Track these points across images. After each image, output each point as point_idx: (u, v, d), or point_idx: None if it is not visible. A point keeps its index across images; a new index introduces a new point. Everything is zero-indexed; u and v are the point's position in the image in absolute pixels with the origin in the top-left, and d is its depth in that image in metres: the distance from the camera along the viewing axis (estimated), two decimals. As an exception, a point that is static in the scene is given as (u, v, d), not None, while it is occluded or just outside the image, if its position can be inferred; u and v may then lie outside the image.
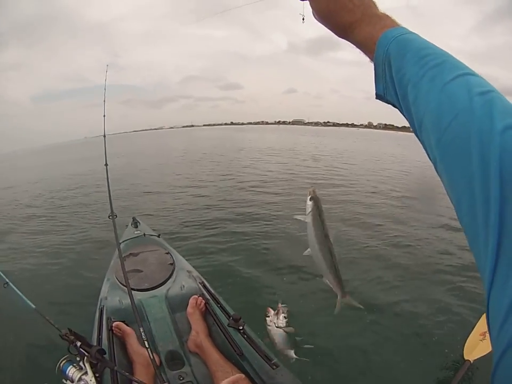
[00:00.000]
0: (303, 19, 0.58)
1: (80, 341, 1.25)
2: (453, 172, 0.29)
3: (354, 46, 0.45)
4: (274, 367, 1.32)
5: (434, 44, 0.37)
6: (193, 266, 2.28)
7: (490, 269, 0.24)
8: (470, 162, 0.26)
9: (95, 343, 1.51)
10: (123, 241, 2.55)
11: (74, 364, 1.20)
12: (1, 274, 1.73)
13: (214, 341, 1.61)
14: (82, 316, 2.34)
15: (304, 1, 0.47)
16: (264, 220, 4.91)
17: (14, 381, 1.98)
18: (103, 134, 2.55)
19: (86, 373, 1.19)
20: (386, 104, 0.43)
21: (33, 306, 1.49)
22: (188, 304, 1.77)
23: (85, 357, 1.22)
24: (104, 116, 2.56)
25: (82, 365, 1.21)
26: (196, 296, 1.81)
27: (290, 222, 4.52)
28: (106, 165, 2.34)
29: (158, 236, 2.73)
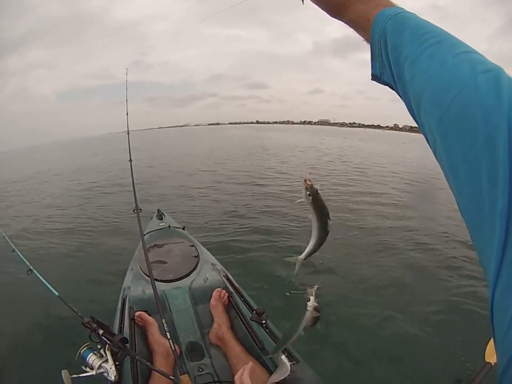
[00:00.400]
0: (303, 1, 0.55)
1: (102, 329, 1.26)
2: (455, 154, 0.27)
3: (347, 26, 0.44)
4: (295, 362, 1.29)
5: (433, 23, 0.35)
6: (218, 260, 2.27)
7: (495, 266, 0.22)
8: (476, 141, 0.24)
9: (117, 331, 1.53)
10: (148, 233, 2.58)
11: (95, 352, 1.20)
12: (26, 261, 1.78)
13: (236, 334, 1.59)
14: (104, 305, 2.38)
15: None
16: (289, 217, 4.85)
17: (35, 365, 2.04)
18: (127, 131, 2.60)
19: (106, 360, 1.18)
20: (383, 85, 0.41)
21: (57, 293, 1.52)
22: (211, 297, 1.76)
23: (107, 345, 1.22)
24: (127, 114, 2.58)
25: (103, 353, 1.21)
26: (220, 289, 1.80)
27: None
28: (130, 160, 2.37)
29: (183, 229, 2.73)
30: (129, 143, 2.56)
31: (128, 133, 2.59)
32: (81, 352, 1.19)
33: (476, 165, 0.24)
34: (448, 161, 0.28)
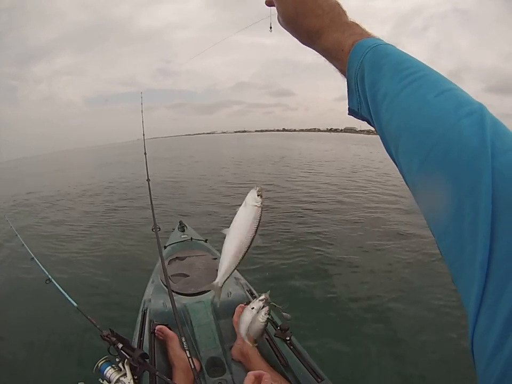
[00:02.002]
0: (271, 28, 0.55)
1: (122, 343, 1.23)
2: (437, 201, 0.25)
3: (319, 54, 0.42)
4: (319, 380, 1.27)
5: (413, 56, 0.33)
6: (241, 273, 2.21)
7: (474, 310, 0.22)
8: (459, 189, 0.23)
9: (136, 345, 1.50)
10: (169, 245, 2.56)
11: (113, 365, 1.17)
12: (44, 270, 1.78)
13: (260, 351, 1.52)
14: (124, 317, 2.35)
15: (272, 7, 0.45)
16: (317, 231, 4.75)
17: (51, 377, 2.01)
18: (144, 151, 2.67)
19: (124, 375, 1.15)
20: (361, 120, 0.39)
21: (76, 304, 1.51)
22: (234, 311, 1.70)
23: (126, 359, 1.18)
24: (143, 134, 2.63)
25: (122, 367, 1.17)
26: (242, 304, 1.73)
27: (343, 230, 4.41)
28: (148, 180, 2.35)
29: (205, 241, 2.68)
30: (146, 163, 2.56)
31: (145, 154, 2.64)
32: (99, 365, 1.16)
33: (458, 213, 0.23)
34: (429, 207, 0.27)
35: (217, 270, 2.17)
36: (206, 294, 1.90)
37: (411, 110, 0.28)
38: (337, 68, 0.41)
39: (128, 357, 1.18)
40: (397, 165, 0.32)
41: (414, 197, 0.29)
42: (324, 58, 0.42)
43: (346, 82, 0.39)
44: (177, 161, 17.26)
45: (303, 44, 0.43)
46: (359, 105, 0.38)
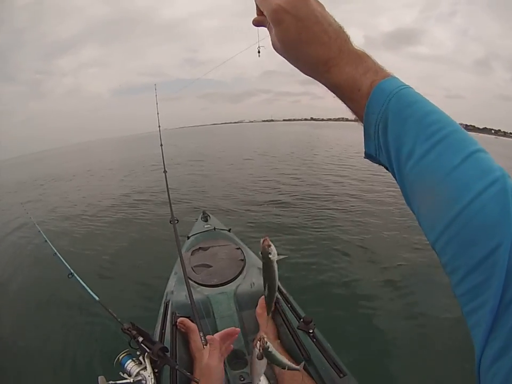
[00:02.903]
0: (259, 51, 0.48)
1: (142, 336, 1.22)
2: (457, 258, 0.27)
3: (327, 89, 0.37)
4: (341, 375, 1.22)
5: (434, 104, 0.32)
6: None
7: (481, 343, 0.24)
8: (478, 254, 0.25)
9: (157, 337, 1.49)
10: (193, 235, 2.56)
11: (134, 358, 1.16)
12: (66, 264, 1.80)
13: (282, 343, 1.50)
14: (146, 309, 2.36)
15: (259, 28, 0.38)
16: (342, 224, 4.63)
17: (73, 369, 2.05)
18: (160, 143, 2.67)
19: (145, 368, 1.14)
20: (378, 165, 0.37)
21: (97, 298, 1.52)
22: (257, 302, 1.68)
23: (146, 353, 1.17)
24: (159, 126, 2.63)
25: (142, 360, 1.17)
26: None
27: (368, 227, 4.31)
28: (165, 172, 2.34)
29: (229, 230, 2.66)
30: (162, 155, 2.58)
31: (161, 145, 2.62)
32: (120, 358, 1.15)
33: (476, 269, 0.25)
34: (449, 260, 0.28)
35: (240, 260, 2.13)
36: (229, 284, 1.87)
37: (437, 176, 0.28)
38: (348, 106, 0.37)
39: (148, 350, 1.16)
40: (414, 214, 0.32)
41: (433, 246, 0.30)
42: (331, 92, 0.37)
43: (362, 125, 0.36)
44: (202, 152, 17.27)
45: (308, 75, 0.38)
46: (377, 152, 0.35)
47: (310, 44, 0.35)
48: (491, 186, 0.26)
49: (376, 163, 0.37)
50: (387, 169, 0.35)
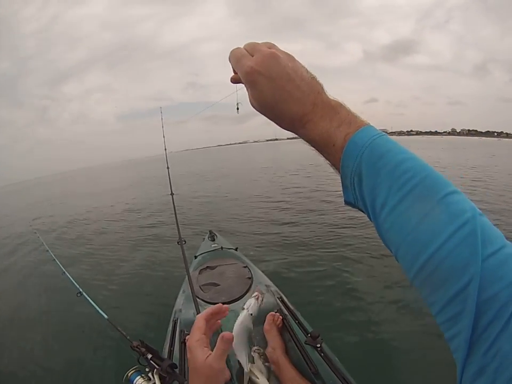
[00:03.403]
0: (238, 108, 0.50)
1: (151, 354, 1.23)
2: (432, 297, 0.29)
3: (305, 142, 0.38)
4: None
5: (407, 149, 0.33)
6: (272, 281, 2.20)
7: (460, 369, 0.27)
8: (449, 292, 0.27)
9: (166, 355, 1.49)
10: (200, 254, 2.59)
11: (143, 375, 1.17)
12: (75, 283, 1.83)
13: (290, 358, 1.49)
14: (155, 327, 2.36)
15: (238, 84, 0.39)
16: (351, 243, 4.58)
17: None
18: (166, 166, 2.75)
19: None
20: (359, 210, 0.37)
21: (106, 316, 1.54)
22: (264, 319, 1.69)
23: (155, 369, 1.18)
24: (165, 149, 2.71)
25: (151, 377, 1.17)
26: (273, 313, 1.73)
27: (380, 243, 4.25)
28: (172, 194, 2.39)
29: (236, 249, 2.70)
30: (169, 177, 2.63)
31: (168, 167, 2.69)
32: (129, 374, 1.16)
33: (449, 304, 0.27)
34: (425, 297, 0.30)
35: (247, 278, 2.14)
36: (237, 302, 1.88)
37: (408, 226, 0.30)
38: (326, 159, 0.37)
39: (157, 367, 1.17)
40: (392, 254, 0.33)
41: (412, 284, 0.31)
42: (309, 146, 0.38)
43: (339, 176, 0.36)
44: (206, 174, 17.52)
45: (286, 129, 0.39)
46: (355, 201, 0.35)
47: (284, 102, 0.35)
48: (460, 229, 0.27)
49: (356, 209, 0.37)
50: (366, 215, 0.36)
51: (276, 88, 0.35)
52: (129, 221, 7.26)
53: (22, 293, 3.74)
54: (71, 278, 1.95)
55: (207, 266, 2.29)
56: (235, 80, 0.40)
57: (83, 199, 12.06)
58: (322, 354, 1.43)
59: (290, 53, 0.37)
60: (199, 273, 2.21)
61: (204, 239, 3.03)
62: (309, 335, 1.52)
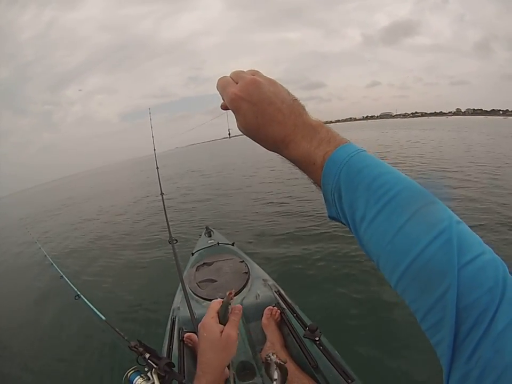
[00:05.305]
0: (229, 134, 0.53)
1: (149, 353, 1.23)
2: (414, 303, 0.30)
3: (289, 162, 0.40)
4: (349, 380, 1.22)
5: (384, 163, 0.35)
6: (269, 274, 2.20)
7: (446, 374, 0.27)
8: (429, 299, 0.27)
9: (165, 354, 1.50)
10: (197, 251, 2.58)
11: (142, 375, 1.15)
12: (73, 286, 1.83)
13: (289, 352, 1.51)
14: (154, 326, 2.36)
15: (228, 111, 0.41)
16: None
17: None
18: (156, 166, 2.70)
19: (153, 383, 1.14)
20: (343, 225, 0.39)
21: (103, 317, 1.53)
22: (263, 314, 1.70)
23: (153, 369, 1.18)
24: (154, 149, 2.68)
25: (150, 376, 1.17)
26: (271, 307, 1.74)
27: None
28: (162, 194, 2.37)
29: (232, 244, 2.70)
30: (159, 177, 2.61)
31: (157, 168, 2.66)
32: (128, 375, 1.15)
33: (430, 312, 0.28)
34: (408, 303, 0.31)
35: (244, 273, 2.14)
36: (234, 298, 1.87)
37: (386, 236, 0.30)
38: (309, 177, 0.39)
39: (155, 366, 1.17)
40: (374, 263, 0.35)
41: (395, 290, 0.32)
42: (294, 166, 0.40)
43: (321, 193, 0.38)
44: (207, 168, 17.56)
45: (270, 150, 0.40)
46: (338, 215, 0.37)
47: (266, 125, 0.37)
48: (436, 238, 0.28)
49: (339, 223, 0.38)
50: (349, 228, 0.37)
51: (258, 112, 0.37)
52: (126, 222, 7.25)
53: (21, 298, 3.76)
54: (68, 282, 1.95)
55: (204, 263, 2.29)
56: (224, 107, 0.41)
57: (81, 204, 12.03)
58: (321, 347, 1.43)
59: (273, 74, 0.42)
60: (196, 270, 2.20)
61: (200, 235, 3.03)
62: (307, 328, 1.52)
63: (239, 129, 0.41)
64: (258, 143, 0.40)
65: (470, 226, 0.30)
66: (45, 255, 2.57)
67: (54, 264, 2.30)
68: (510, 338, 0.24)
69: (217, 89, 0.42)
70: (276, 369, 0.99)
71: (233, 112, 0.39)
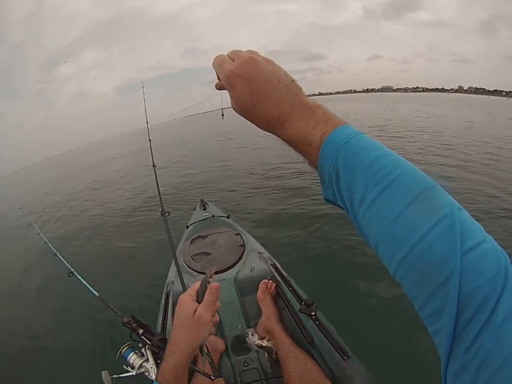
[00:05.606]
0: (222, 115, 0.53)
1: (142, 329, 1.22)
2: (413, 290, 0.29)
3: (283, 142, 0.39)
4: (345, 357, 1.21)
5: (384, 146, 0.34)
6: (264, 247, 2.17)
7: (444, 362, 0.27)
8: (431, 285, 0.27)
9: (159, 328, 1.49)
10: (191, 224, 2.56)
11: (136, 351, 1.15)
12: (67, 264, 1.82)
13: (285, 327, 1.50)
14: (149, 301, 2.37)
15: (222, 91, 0.41)
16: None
17: (78, 365, 2.09)
18: (149, 138, 2.61)
19: (147, 360, 1.13)
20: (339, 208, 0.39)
21: (97, 294, 1.52)
22: (258, 287, 1.68)
23: (147, 345, 1.18)
24: (147, 122, 2.61)
25: (144, 352, 1.17)
26: (266, 280, 1.72)
27: None
28: (154, 166, 2.33)
29: (227, 217, 2.67)
30: (151, 150, 2.54)
31: (149, 140, 2.60)
32: (123, 351, 1.14)
33: (431, 299, 0.27)
34: (407, 290, 0.30)
35: (239, 245, 2.10)
36: (229, 271, 1.86)
37: (386, 220, 0.30)
38: (304, 158, 0.39)
39: (148, 342, 1.16)
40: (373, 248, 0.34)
41: (393, 277, 0.32)
42: (289, 146, 0.39)
43: (318, 175, 0.37)
44: (204, 139, 17.44)
45: (265, 130, 0.39)
46: (334, 198, 0.36)
47: (262, 103, 0.36)
48: (438, 224, 0.27)
49: (335, 206, 0.38)
50: (345, 211, 0.36)
51: (254, 89, 0.36)
52: (120, 196, 7.18)
53: (16, 277, 3.78)
54: (62, 259, 1.93)
55: (199, 236, 2.26)
56: (219, 87, 0.41)
57: (75, 181, 11.87)
58: (317, 322, 1.42)
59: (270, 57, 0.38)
60: (190, 243, 2.18)
61: (195, 208, 2.99)
62: (303, 303, 1.51)
63: (233, 108, 0.40)
64: (252, 122, 0.39)
65: (467, 208, 0.29)
66: (39, 234, 2.54)
67: (47, 243, 2.27)
68: (510, 328, 0.23)
69: (213, 67, 0.41)
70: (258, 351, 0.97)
71: (228, 90, 0.39)
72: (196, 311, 0.63)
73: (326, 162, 0.35)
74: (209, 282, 0.67)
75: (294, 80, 0.38)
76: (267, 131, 0.39)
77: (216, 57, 0.41)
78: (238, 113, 0.40)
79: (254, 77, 0.36)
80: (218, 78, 0.41)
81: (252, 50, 0.40)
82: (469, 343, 0.24)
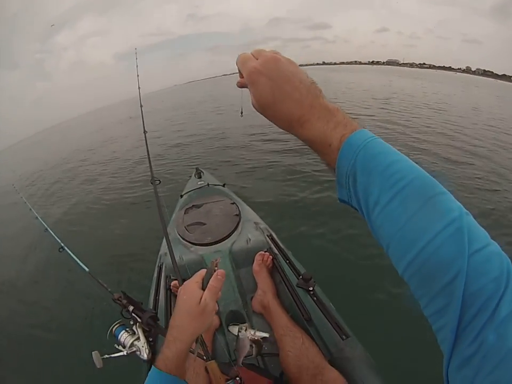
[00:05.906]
0: (242, 112, 0.54)
1: (133, 305, 1.16)
2: (420, 289, 0.31)
3: (301, 141, 0.40)
4: (344, 337, 1.16)
5: (398, 152, 0.36)
6: (261, 217, 2.10)
7: (447, 356, 0.28)
8: (437, 285, 0.28)
9: (151, 304, 1.44)
10: (186, 193, 2.47)
11: (127, 329, 1.11)
12: (57, 239, 1.77)
13: (282, 302, 1.44)
14: (141, 275, 2.32)
15: (243, 89, 0.43)
16: None
17: (68, 343, 2.08)
18: (140, 103, 2.48)
19: (138, 338, 1.09)
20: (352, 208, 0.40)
21: (87, 269, 1.47)
22: (254, 259, 1.61)
23: (138, 323, 1.13)
24: (139, 88, 2.50)
25: (135, 330, 1.12)
26: (262, 252, 1.64)
27: None
28: (145, 132, 2.22)
29: (223, 186, 2.59)
30: (142, 115, 2.42)
31: (141, 106, 2.47)
32: (113, 329, 1.10)
33: (436, 297, 0.29)
34: (414, 289, 0.32)
35: (235, 215, 1.96)
36: (224, 242, 1.79)
37: (399, 222, 0.31)
38: (322, 158, 0.40)
39: (139, 320, 1.12)
40: (384, 249, 0.35)
41: (402, 277, 0.33)
42: (307, 145, 0.40)
43: (335, 175, 0.38)
44: (203, 106, 17.24)
45: (284, 130, 0.40)
46: (349, 199, 0.38)
47: (282, 102, 0.38)
48: (448, 227, 0.29)
49: (349, 206, 0.39)
50: (359, 212, 0.37)
51: (275, 87, 0.38)
52: (113, 164, 7.04)
53: (5, 251, 3.77)
54: (53, 234, 1.88)
55: (193, 205, 2.17)
56: (241, 84, 0.43)
57: (69, 152, 11.53)
58: (315, 298, 1.36)
59: None
60: (184, 213, 2.10)
61: (190, 177, 2.90)
62: (301, 277, 1.45)
63: (253, 105, 0.41)
64: (271, 120, 0.40)
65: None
66: (30, 209, 2.47)
67: (39, 218, 2.21)
68: None
69: (237, 64, 0.42)
70: (251, 344, 0.91)
71: (249, 86, 0.40)
72: (201, 298, 0.64)
73: (344, 164, 0.36)
74: (214, 270, 0.68)
75: (314, 82, 0.39)
76: (286, 130, 0.40)
77: (241, 54, 0.42)
78: (258, 111, 0.41)
79: (276, 76, 0.38)
80: (241, 76, 0.42)
81: (275, 51, 0.41)
82: (472, 339, 0.25)
